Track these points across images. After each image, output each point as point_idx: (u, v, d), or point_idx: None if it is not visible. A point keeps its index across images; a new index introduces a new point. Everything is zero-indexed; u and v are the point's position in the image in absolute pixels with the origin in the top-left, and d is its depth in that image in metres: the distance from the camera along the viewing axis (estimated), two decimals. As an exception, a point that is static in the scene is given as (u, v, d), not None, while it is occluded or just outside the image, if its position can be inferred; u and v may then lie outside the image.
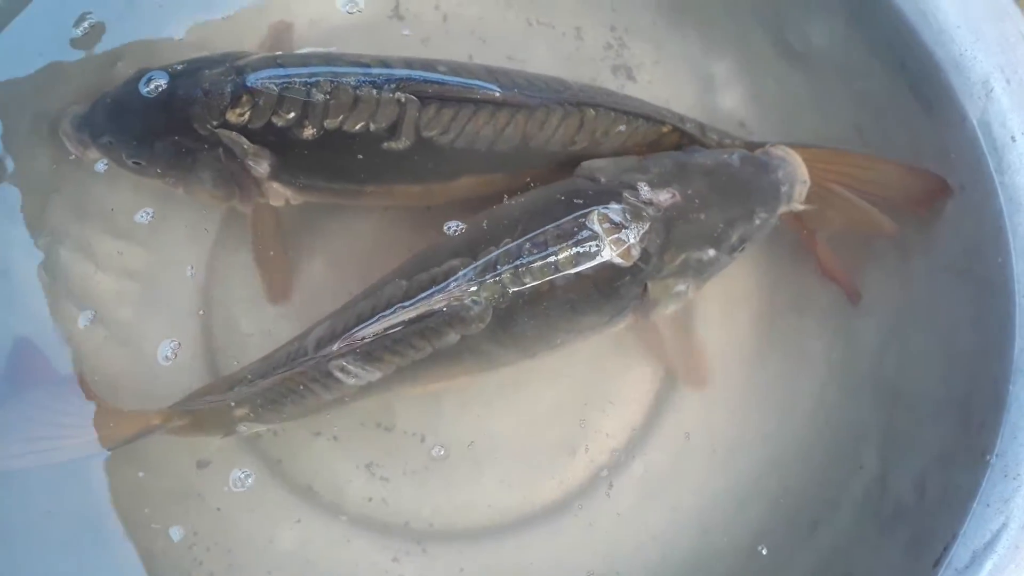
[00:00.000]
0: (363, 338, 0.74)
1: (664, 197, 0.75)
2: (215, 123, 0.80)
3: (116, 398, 0.85)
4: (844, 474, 0.82)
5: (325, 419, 0.86)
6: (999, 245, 0.76)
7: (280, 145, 0.80)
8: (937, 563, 0.69)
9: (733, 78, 0.93)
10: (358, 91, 0.79)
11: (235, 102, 0.79)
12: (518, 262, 0.73)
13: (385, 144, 0.80)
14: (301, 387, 0.77)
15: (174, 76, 0.83)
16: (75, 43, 0.91)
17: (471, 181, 0.84)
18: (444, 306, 0.73)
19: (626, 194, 0.74)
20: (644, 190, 0.75)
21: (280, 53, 0.85)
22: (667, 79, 0.95)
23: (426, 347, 0.75)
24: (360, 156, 0.80)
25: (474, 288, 0.73)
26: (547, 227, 0.74)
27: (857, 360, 0.85)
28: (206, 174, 0.83)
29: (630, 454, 0.88)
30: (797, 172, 0.79)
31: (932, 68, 0.80)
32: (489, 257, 0.74)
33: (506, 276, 0.73)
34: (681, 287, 0.78)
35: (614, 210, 0.74)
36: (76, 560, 0.82)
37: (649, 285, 0.76)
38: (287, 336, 0.82)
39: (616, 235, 0.73)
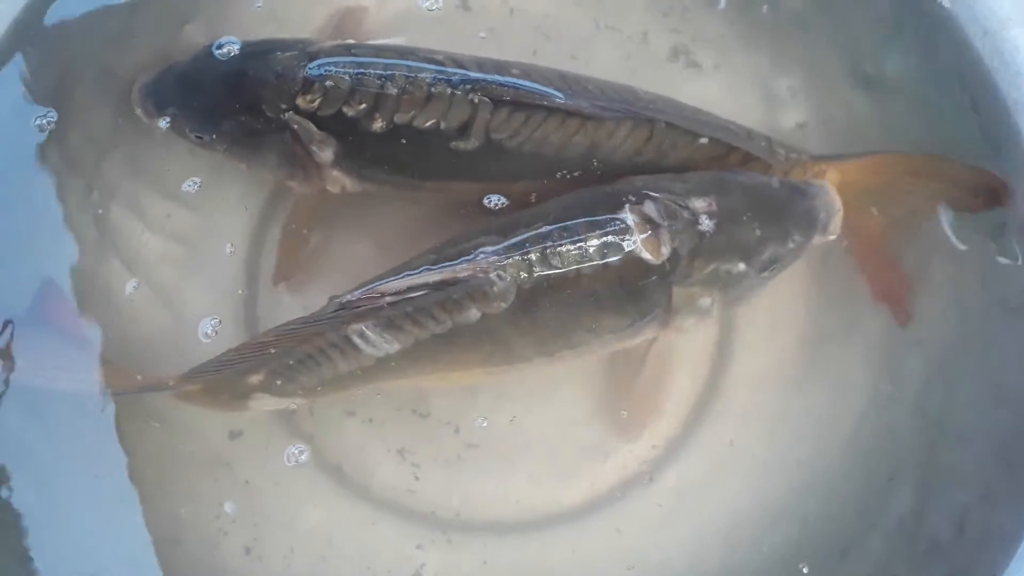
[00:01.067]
0: (383, 295, 0.73)
1: (701, 204, 0.75)
2: (285, 107, 0.79)
3: (150, 359, 0.85)
4: (879, 504, 0.81)
5: (360, 400, 0.86)
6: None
7: (347, 134, 0.80)
8: (974, 600, 0.69)
9: (798, 97, 0.93)
10: (433, 88, 0.78)
11: (307, 88, 0.79)
12: (547, 244, 0.73)
13: (453, 143, 0.79)
14: (317, 352, 0.76)
15: (246, 56, 0.82)
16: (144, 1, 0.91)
17: (532, 185, 0.83)
18: (469, 276, 0.72)
19: (664, 195, 0.75)
20: (681, 194, 0.75)
21: (353, 42, 0.85)
22: (730, 92, 0.94)
23: (446, 320, 0.74)
24: (425, 153, 0.80)
25: (500, 263, 0.73)
26: (580, 217, 0.74)
27: (901, 392, 0.84)
28: (271, 155, 0.83)
29: (663, 464, 0.87)
30: (834, 203, 0.79)
31: (1004, 111, 0.80)
32: (519, 237, 0.74)
33: (534, 255, 0.73)
34: (706, 300, 0.77)
35: (649, 206, 0.74)
36: (102, 519, 0.81)
37: (674, 291, 0.76)
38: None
39: (648, 231, 0.73)
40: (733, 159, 0.83)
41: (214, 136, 0.83)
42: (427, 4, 0.95)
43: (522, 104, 0.79)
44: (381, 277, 0.76)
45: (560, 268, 0.73)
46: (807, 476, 0.85)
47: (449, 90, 0.78)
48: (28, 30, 0.83)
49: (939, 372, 0.83)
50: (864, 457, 0.84)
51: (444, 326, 0.74)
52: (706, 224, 0.74)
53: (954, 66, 0.83)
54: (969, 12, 0.81)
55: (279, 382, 0.78)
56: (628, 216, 0.73)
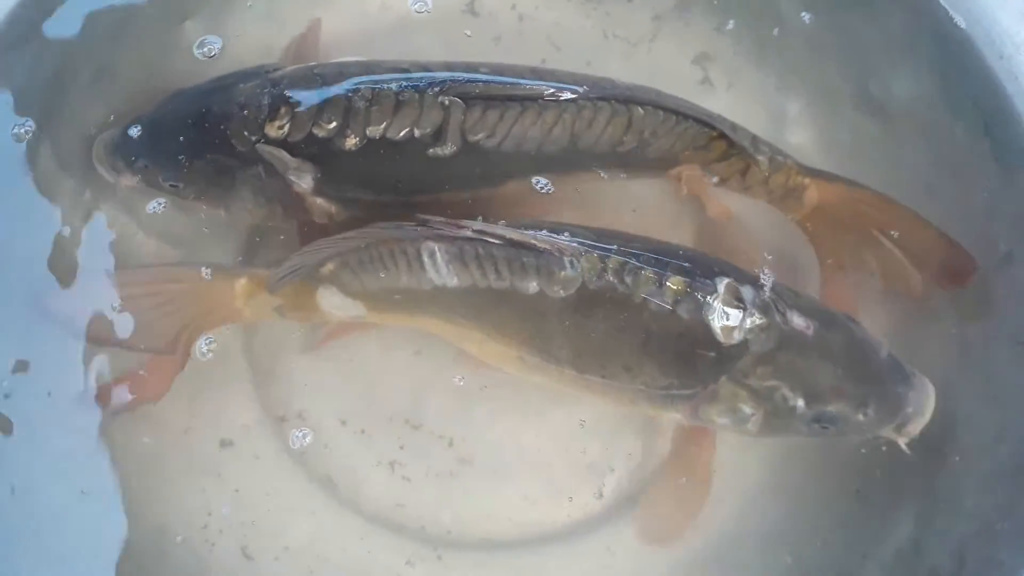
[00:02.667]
0: (464, 227, 0.72)
1: (799, 321, 0.72)
2: (254, 138, 0.77)
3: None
4: (875, 533, 0.80)
5: (352, 408, 0.85)
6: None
7: (322, 157, 0.78)
8: (974, 636, 0.68)
9: (805, 118, 0.92)
10: (400, 96, 0.77)
11: (273, 114, 0.77)
12: (631, 260, 0.71)
13: (431, 151, 0.78)
14: (387, 255, 0.74)
15: (208, 92, 0.80)
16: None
17: (519, 186, 0.82)
18: (544, 249, 0.71)
19: (770, 293, 0.72)
20: (790, 303, 0.73)
21: (315, 63, 0.83)
22: (738, 108, 0.93)
23: (507, 278, 0.73)
24: (405, 165, 0.78)
25: (578, 252, 0.71)
26: (676, 260, 0.73)
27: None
28: (246, 192, 0.80)
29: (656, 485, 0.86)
30: (927, 408, 0.74)
31: (1019, 134, 0.79)
32: (608, 245, 0.73)
33: (612, 262, 0.71)
34: (747, 410, 0.73)
35: (748, 290, 0.71)
36: (84, 528, 0.79)
37: (723, 380, 0.72)
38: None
39: (732, 309, 0.71)
40: (716, 151, 0.82)
41: (186, 181, 0.80)
42: (416, 6, 0.93)
43: (495, 100, 0.77)
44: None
45: (629, 289, 0.71)
46: (802, 502, 0.84)
47: (418, 95, 0.77)
48: (21, 29, 0.81)
49: (941, 402, 0.82)
50: (863, 484, 0.83)
51: (502, 283, 0.73)
52: (791, 340, 0.71)
53: (968, 89, 0.82)
54: (986, 35, 0.81)
55: (347, 275, 0.76)
56: (721, 283, 0.71)
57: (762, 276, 0.75)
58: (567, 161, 0.80)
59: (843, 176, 0.84)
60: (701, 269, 0.73)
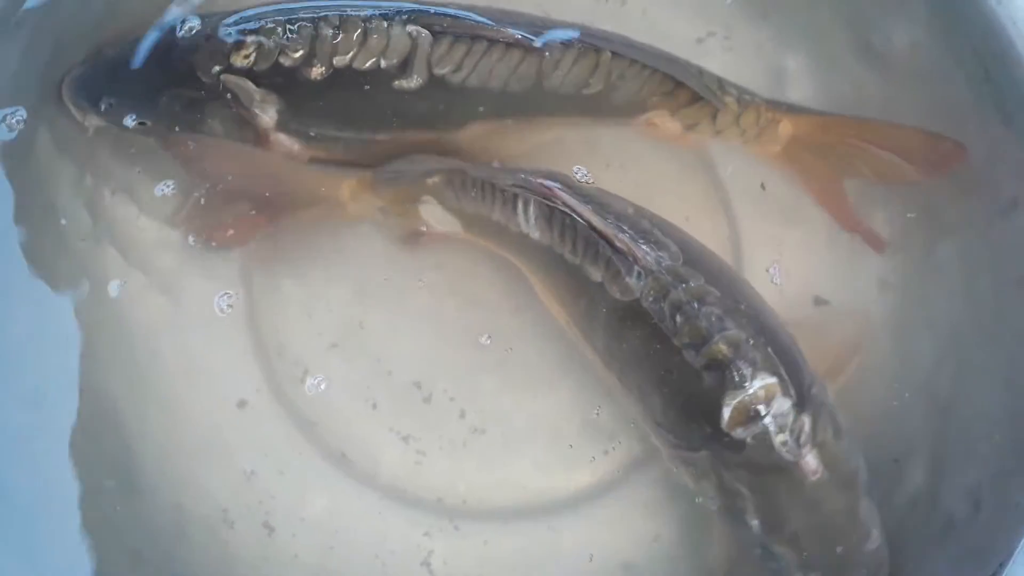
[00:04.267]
0: (561, 200, 0.73)
1: (810, 463, 0.67)
2: (219, 68, 0.77)
3: (151, 348, 0.85)
4: (890, 485, 0.80)
5: (364, 382, 0.85)
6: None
7: (287, 89, 0.77)
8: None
9: (805, 73, 0.91)
10: (368, 23, 0.77)
11: (239, 44, 0.77)
12: (695, 303, 0.69)
13: (396, 83, 0.77)
14: (488, 188, 0.77)
15: (173, 29, 0.80)
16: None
17: (482, 128, 0.81)
18: (621, 249, 0.71)
19: (806, 418, 0.67)
20: (811, 439, 0.68)
21: None
22: (736, 66, 0.92)
23: (578, 256, 0.73)
24: (370, 98, 0.78)
25: (651, 268, 0.70)
26: (744, 331, 0.68)
27: (910, 373, 0.83)
28: (216, 125, 0.80)
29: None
30: None
31: (1019, 79, 0.78)
32: (689, 272, 0.71)
33: (676, 295, 0.69)
34: (710, 492, 0.72)
35: (783, 403, 0.67)
36: (104, 508, 0.80)
37: (705, 454, 0.70)
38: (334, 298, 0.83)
39: (754, 408, 0.67)
40: (682, 97, 0.81)
41: (155, 118, 0.80)
42: None
43: (462, 35, 0.77)
44: (575, 192, 0.76)
45: (674, 328, 0.69)
46: None
47: (386, 24, 0.77)
48: (12, 15, 0.80)
49: (950, 352, 0.82)
50: (875, 437, 0.82)
51: (575, 259, 0.73)
52: (789, 472, 0.67)
53: (968, 36, 0.81)
54: (985, -22, 0.79)
55: (449, 192, 0.78)
56: (758, 380, 0.67)
57: (816, 392, 0.70)
58: (532, 102, 0.80)
59: (812, 107, 0.85)
60: (758, 355, 0.68)
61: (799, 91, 0.90)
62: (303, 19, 0.77)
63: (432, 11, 0.78)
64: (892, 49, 0.87)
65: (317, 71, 0.76)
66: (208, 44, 0.77)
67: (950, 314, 0.83)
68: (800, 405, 0.68)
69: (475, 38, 0.77)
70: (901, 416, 0.82)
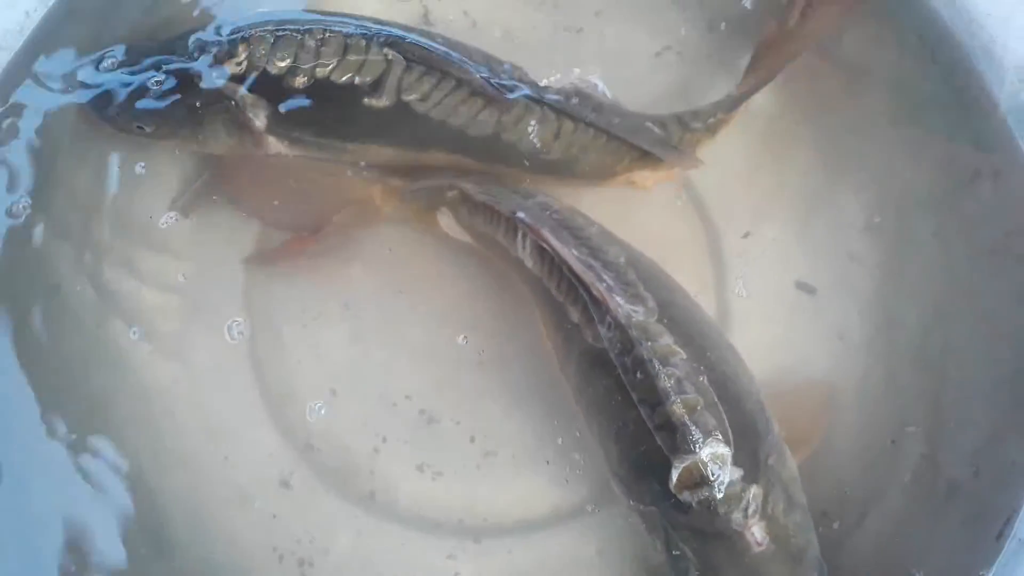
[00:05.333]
0: (548, 241, 0.75)
1: (756, 534, 0.66)
2: (216, 75, 0.82)
3: (168, 407, 0.87)
4: (890, 459, 0.82)
5: (368, 424, 0.87)
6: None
7: (274, 95, 0.82)
8: (1000, 535, 0.70)
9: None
10: (348, 40, 0.82)
11: (232, 52, 0.82)
12: (657, 364, 0.69)
13: (366, 100, 0.82)
14: (496, 213, 0.80)
15: (170, 41, 0.86)
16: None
17: (443, 156, 0.86)
18: (598, 298, 0.72)
19: (755, 490, 0.67)
20: (763, 512, 0.67)
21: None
22: (694, 76, 0.95)
23: (561, 294, 0.76)
24: (344, 111, 0.83)
25: (623, 322, 0.71)
26: (703, 396, 0.69)
27: (900, 347, 0.86)
28: (219, 127, 0.85)
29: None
30: None
31: (962, 58, 0.82)
32: (658, 331, 0.72)
33: (639, 353, 0.70)
34: (656, 543, 0.72)
35: (733, 472, 0.66)
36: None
37: (654, 511, 0.70)
38: (329, 339, 0.86)
39: (699, 472, 0.66)
40: (648, 161, 0.85)
41: (158, 123, 0.85)
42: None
43: (433, 68, 0.81)
44: (572, 230, 0.79)
45: (636, 382, 0.70)
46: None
47: (364, 43, 0.81)
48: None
49: (935, 322, 0.85)
50: (872, 414, 0.85)
51: (559, 297, 0.76)
52: (732, 540, 0.66)
53: (911, 23, 0.85)
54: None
55: (462, 209, 0.84)
56: (709, 448, 0.66)
57: (772, 462, 0.70)
58: (491, 150, 0.84)
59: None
60: (713, 422, 0.67)
61: (761, 94, 0.93)
62: (290, 31, 0.82)
63: (409, 39, 0.82)
64: (841, 44, 0.90)
65: (300, 80, 0.81)
66: (203, 53, 0.83)
67: (931, 287, 0.86)
68: (751, 476, 0.67)
69: (445, 74, 0.81)
70: (896, 390, 0.85)
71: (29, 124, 0.88)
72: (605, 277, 0.74)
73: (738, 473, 0.66)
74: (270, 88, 0.82)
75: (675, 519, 0.68)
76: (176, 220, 0.90)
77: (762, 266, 0.89)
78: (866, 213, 0.89)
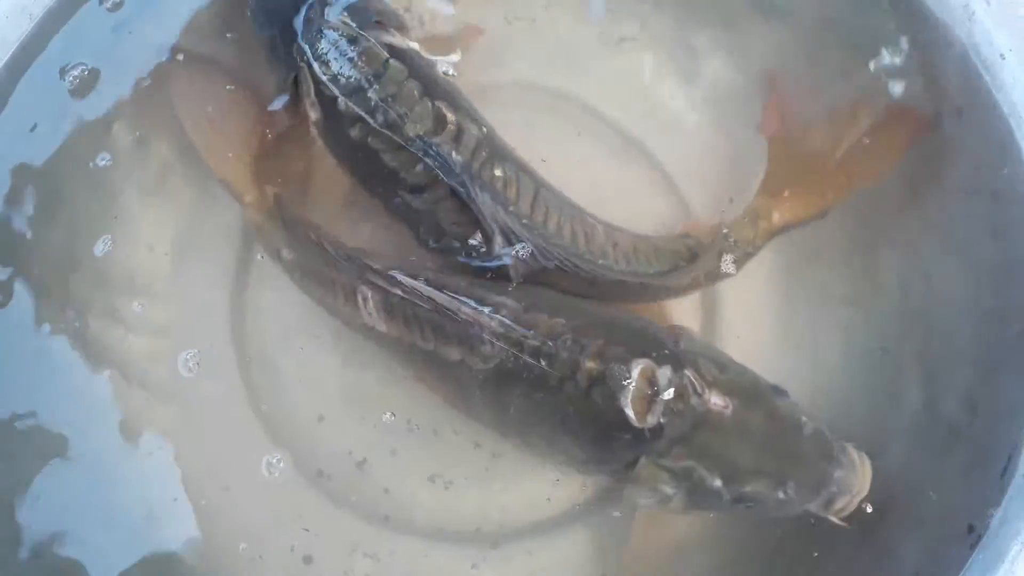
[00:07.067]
0: (397, 281, 0.75)
1: (717, 401, 0.71)
2: (303, 59, 0.83)
3: (168, 455, 0.87)
4: (886, 409, 0.83)
5: (374, 443, 0.87)
6: (1005, 156, 0.78)
7: (327, 114, 0.82)
8: (1004, 472, 0.71)
9: (716, 44, 0.94)
10: (411, 146, 0.79)
11: (328, 61, 0.82)
12: (549, 342, 0.72)
13: (401, 192, 0.80)
14: (330, 282, 0.79)
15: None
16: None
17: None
18: (468, 320, 0.73)
19: (688, 372, 0.71)
20: (709, 380, 0.71)
21: (415, 49, 0.86)
22: (651, 57, 0.96)
23: (430, 342, 0.75)
24: (379, 178, 0.82)
25: (499, 330, 0.73)
26: (599, 339, 0.72)
27: (882, 296, 0.86)
28: (277, 79, 0.87)
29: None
30: (855, 485, 0.72)
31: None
32: (532, 318, 0.73)
33: (531, 343, 0.72)
34: (668, 491, 0.72)
35: (664, 373, 0.70)
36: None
37: (642, 460, 0.71)
38: (323, 363, 0.86)
39: (647, 392, 0.70)
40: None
41: (261, 26, 0.88)
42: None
43: (472, 206, 0.78)
44: (411, 266, 0.78)
45: (545, 371, 0.71)
46: (811, 399, 0.83)
47: (420, 152, 0.79)
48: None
49: (914, 267, 0.85)
50: (862, 366, 0.86)
51: (427, 345, 0.75)
52: (708, 421, 0.70)
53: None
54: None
55: (298, 274, 0.83)
56: (637, 367, 0.70)
57: (684, 345, 0.74)
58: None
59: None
60: (620, 349, 0.71)
61: (716, 62, 0.94)
62: (376, 97, 0.80)
63: (462, 179, 0.78)
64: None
65: (354, 133, 0.80)
66: (319, 35, 0.83)
67: (905, 232, 0.87)
68: (678, 365, 0.71)
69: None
70: (883, 339, 0.85)
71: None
72: (462, 298, 0.74)
73: (667, 369, 0.70)
74: (331, 109, 0.82)
75: (661, 448, 0.70)
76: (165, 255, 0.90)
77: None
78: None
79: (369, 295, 0.77)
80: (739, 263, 0.83)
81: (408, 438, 0.88)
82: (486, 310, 0.74)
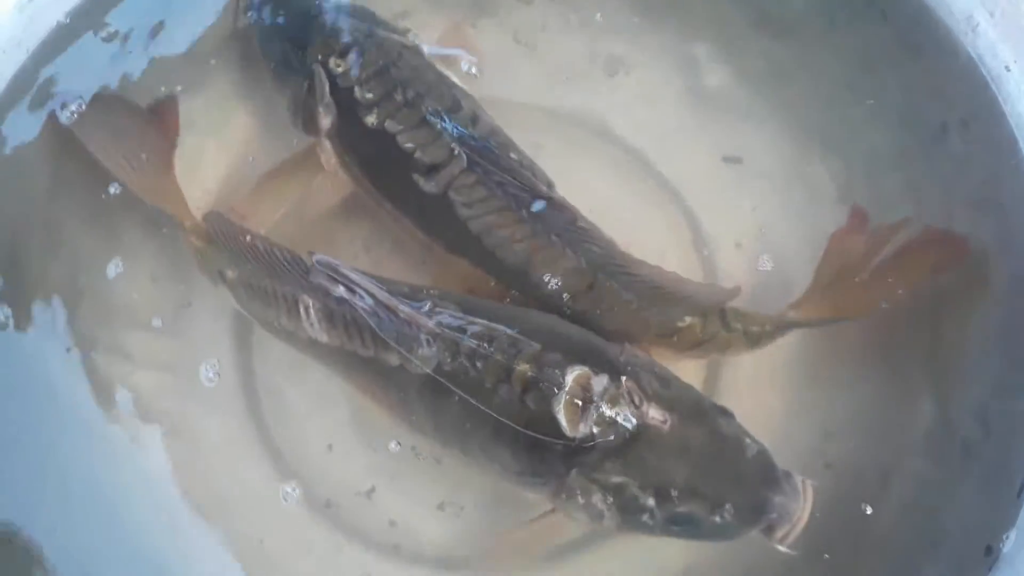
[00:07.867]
0: (341, 281, 0.74)
1: (656, 414, 0.68)
2: (320, 59, 0.84)
3: (179, 490, 0.87)
4: (901, 428, 0.82)
5: (380, 471, 0.87)
6: (1017, 170, 0.77)
7: (345, 112, 0.83)
8: (1021, 492, 0.71)
9: (715, 58, 0.93)
10: (427, 118, 0.81)
11: (344, 52, 0.83)
12: (485, 346, 0.70)
13: (416, 175, 0.80)
14: (273, 294, 0.78)
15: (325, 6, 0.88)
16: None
17: (468, 268, 0.83)
18: (405, 320, 0.72)
19: (627, 383, 0.68)
20: (650, 394, 0.69)
21: (413, 44, 0.87)
22: (650, 75, 0.95)
23: (370, 348, 0.74)
24: (393, 172, 0.82)
25: (436, 331, 0.72)
26: (537, 344, 0.70)
27: (892, 309, 0.84)
28: (288, 93, 0.87)
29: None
30: (795, 513, 0.67)
31: (915, 11, 0.81)
32: (469, 322, 0.72)
33: (465, 345, 0.71)
34: (600, 506, 0.69)
35: (600, 381, 0.68)
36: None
37: (573, 473, 0.69)
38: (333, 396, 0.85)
39: (579, 401, 0.67)
40: (688, 337, 0.80)
41: (264, 46, 0.90)
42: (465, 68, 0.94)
43: (490, 179, 0.78)
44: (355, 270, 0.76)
45: (479, 374, 0.70)
46: (825, 421, 0.85)
47: (439, 127, 0.80)
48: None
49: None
50: (878, 387, 0.84)
51: (368, 352, 0.74)
52: (645, 435, 0.67)
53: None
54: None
55: (243, 292, 0.81)
56: (571, 373, 0.68)
57: (625, 358, 0.71)
58: (520, 279, 0.80)
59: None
60: (557, 355, 0.69)
61: (715, 76, 0.93)
62: (393, 74, 0.82)
63: (480, 145, 0.80)
64: (790, 13, 0.90)
65: (371, 119, 0.81)
66: (327, 34, 0.85)
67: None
68: (615, 374, 0.68)
69: (497, 189, 0.78)
70: (897, 359, 0.84)
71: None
72: (403, 300, 0.73)
73: (603, 379, 0.68)
74: (347, 103, 0.83)
75: (593, 461, 0.68)
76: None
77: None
78: (836, 183, 0.88)
79: (311, 304, 0.76)
80: (752, 345, 0.81)
81: (410, 467, 0.87)
82: (424, 308, 0.73)
